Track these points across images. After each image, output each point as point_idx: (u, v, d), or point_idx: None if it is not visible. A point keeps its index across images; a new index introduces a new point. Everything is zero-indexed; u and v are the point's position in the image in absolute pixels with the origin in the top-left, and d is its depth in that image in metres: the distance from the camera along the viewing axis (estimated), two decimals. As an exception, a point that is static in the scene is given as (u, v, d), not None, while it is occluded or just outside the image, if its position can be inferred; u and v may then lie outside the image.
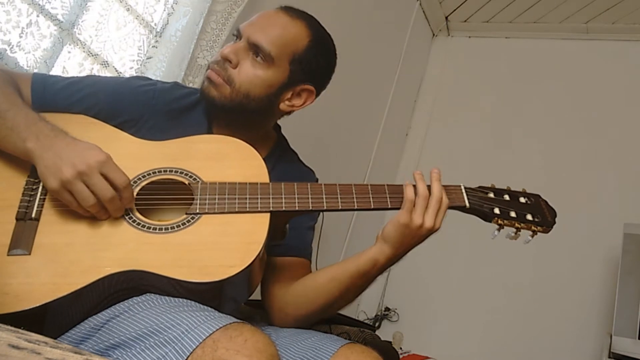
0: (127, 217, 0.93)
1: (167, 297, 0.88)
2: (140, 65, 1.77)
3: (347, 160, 2.82)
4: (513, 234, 1.09)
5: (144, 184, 0.98)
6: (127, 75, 1.74)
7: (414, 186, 1.04)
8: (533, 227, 1.09)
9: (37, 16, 1.49)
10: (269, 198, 0.98)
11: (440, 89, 3.40)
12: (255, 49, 1.09)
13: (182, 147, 1.04)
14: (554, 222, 1.10)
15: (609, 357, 2.10)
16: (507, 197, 1.11)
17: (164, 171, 1.00)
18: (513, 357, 2.61)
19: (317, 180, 1.27)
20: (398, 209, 1.04)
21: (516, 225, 1.08)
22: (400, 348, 2.76)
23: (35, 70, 1.47)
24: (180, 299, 0.88)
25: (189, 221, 0.94)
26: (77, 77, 1.14)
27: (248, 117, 1.14)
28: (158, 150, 1.03)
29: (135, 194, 0.96)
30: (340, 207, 1.02)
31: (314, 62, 1.14)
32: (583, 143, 2.90)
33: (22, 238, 0.88)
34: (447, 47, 3.50)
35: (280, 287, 1.12)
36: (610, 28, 3.03)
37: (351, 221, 2.84)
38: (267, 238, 0.95)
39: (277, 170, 1.17)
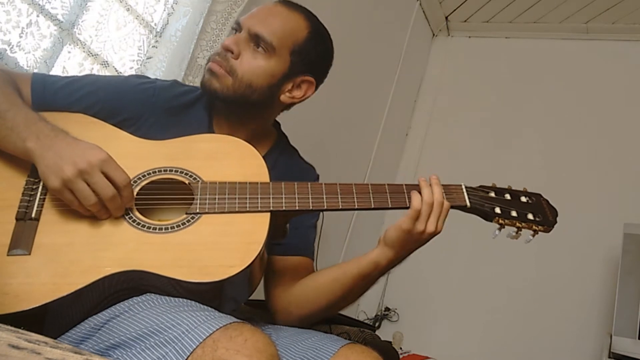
0: (127, 217, 0.93)
1: (167, 297, 0.88)
2: (140, 65, 1.77)
3: (347, 160, 2.82)
4: (514, 234, 1.09)
5: (144, 183, 0.98)
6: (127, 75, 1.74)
7: (419, 192, 1.03)
8: (534, 227, 1.08)
9: (37, 16, 1.49)
10: (269, 198, 0.98)
11: (440, 89, 3.40)
12: (256, 40, 1.10)
13: (182, 146, 1.04)
14: (555, 222, 1.10)
15: (609, 357, 2.10)
16: (508, 196, 1.11)
17: (164, 171, 1.00)
18: (513, 357, 2.61)
19: (318, 176, 1.28)
20: (398, 208, 1.04)
21: (517, 224, 1.08)
22: (400, 348, 2.76)
23: (35, 70, 1.47)
24: (181, 299, 0.88)
25: (189, 221, 0.94)
26: (76, 76, 1.14)
27: (249, 109, 1.14)
28: (158, 150, 1.03)
29: (135, 193, 0.96)
30: (340, 207, 1.02)
31: (314, 53, 1.16)
32: (583, 143, 2.90)
33: (22, 238, 0.88)
34: (447, 47, 3.50)
35: (283, 286, 1.12)
36: (610, 28, 3.03)
37: (351, 221, 2.84)
38: (267, 238, 0.94)
39: (278, 167, 1.18)
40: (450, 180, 1.10)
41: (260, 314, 1.22)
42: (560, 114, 3.01)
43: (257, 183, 1.00)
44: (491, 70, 3.30)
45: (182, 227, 0.93)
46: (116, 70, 1.72)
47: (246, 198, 0.97)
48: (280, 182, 1.01)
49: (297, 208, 1.00)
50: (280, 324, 1.11)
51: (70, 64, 1.60)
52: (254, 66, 1.10)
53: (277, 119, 1.25)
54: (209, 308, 0.87)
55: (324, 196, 1.02)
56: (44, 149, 0.90)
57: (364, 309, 2.94)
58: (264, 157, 1.06)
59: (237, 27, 1.14)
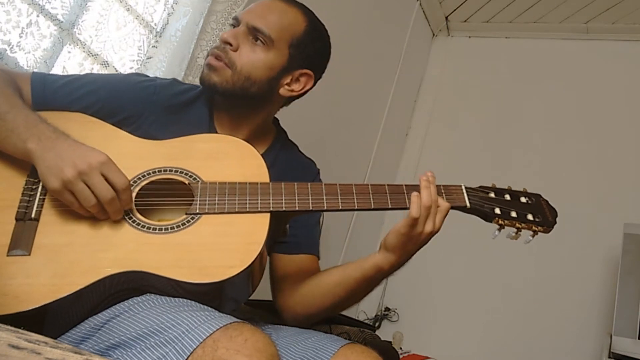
0: (127, 218, 0.93)
1: (167, 297, 0.88)
2: (140, 65, 1.77)
3: (347, 160, 2.82)
4: (514, 234, 1.09)
5: (143, 183, 0.98)
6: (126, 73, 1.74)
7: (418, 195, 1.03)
8: (534, 227, 1.08)
9: (37, 16, 1.49)
10: (269, 198, 0.98)
11: (440, 89, 3.40)
12: (254, 33, 1.11)
13: (182, 146, 1.04)
14: (555, 222, 1.10)
15: (609, 357, 2.09)
16: (508, 196, 1.11)
17: (164, 171, 1.00)
18: (513, 357, 2.61)
19: (318, 170, 1.28)
20: (399, 209, 1.04)
21: (517, 225, 1.08)
22: (400, 348, 2.76)
23: (35, 70, 1.47)
24: (181, 299, 0.88)
25: (189, 221, 0.94)
26: (76, 75, 1.14)
27: (249, 103, 1.14)
28: (158, 150, 1.03)
29: (135, 193, 0.96)
30: (340, 207, 1.02)
31: (312, 47, 1.16)
32: (583, 143, 2.90)
33: (22, 238, 0.88)
34: (447, 47, 3.49)
35: (290, 285, 1.13)
36: (610, 28, 3.03)
37: (351, 221, 2.83)
38: (267, 238, 0.94)
39: (279, 163, 1.18)
40: (450, 180, 1.10)
41: (260, 314, 1.22)
42: (560, 114, 3.01)
43: (257, 183, 1.00)
44: (491, 70, 3.30)
45: (182, 227, 0.93)
46: (116, 70, 1.72)
47: (246, 198, 0.97)
48: (280, 183, 1.01)
49: (297, 208, 1.00)
50: (287, 323, 1.11)
51: (70, 64, 1.59)
52: (252, 59, 1.10)
53: (275, 116, 1.26)
54: (209, 308, 0.87)
55: (324, 196, 1.02)
56: (45, 151, 0.90)
57: (364, 309, 2.94)
58: (264, 153, 1.06)
59: (236, 22, 1.14)
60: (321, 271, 1.15)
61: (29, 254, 0.87)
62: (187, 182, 0.99)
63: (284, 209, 0.98)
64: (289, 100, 1.21)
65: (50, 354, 0.58)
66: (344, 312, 1.41)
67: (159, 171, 1.00)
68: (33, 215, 0.90)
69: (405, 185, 1.05)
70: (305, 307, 1.11)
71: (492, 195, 1.10)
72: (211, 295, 0.91)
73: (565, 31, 3.15)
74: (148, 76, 1.20)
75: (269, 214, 0.97)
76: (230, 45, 1.10)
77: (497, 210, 1.07)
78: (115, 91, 1.11)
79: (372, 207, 1.03)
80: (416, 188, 1.04)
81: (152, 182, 0.99)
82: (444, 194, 1.06)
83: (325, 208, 1.02)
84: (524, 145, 3.03)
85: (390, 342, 2.54)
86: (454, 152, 3.18)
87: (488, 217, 1.08)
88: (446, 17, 3.44)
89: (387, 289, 2.95)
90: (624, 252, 2.22)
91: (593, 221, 2.66)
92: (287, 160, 1.22)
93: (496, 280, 2.76)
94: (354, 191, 1.03)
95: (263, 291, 1.13)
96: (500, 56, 3.32)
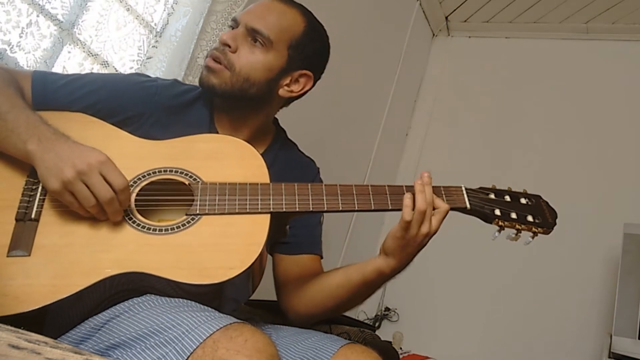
0: (127, 218, 0.93)
1: (167, 298, 0.88)
2: (140, 65, 1.77)
3: (347, 160, 2.82)
4: (514, 235, 1.09)
5: (143, 184, 0.98)
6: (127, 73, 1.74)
7: (413, 198, 1.02)
8: (534, 229, 1.08)
9: (37, 16, 1.49)
10: (270, 199, 0.98)
11: (440, 89, 3.40)
12: (253, 34, 1.10)
13: (182, 146, 1.04)
14: (555, 224, 1.10)
15: (609, 357, 2.09)
16: (508, 198, 1.11)
17: (164, 171, 1.00)
18: (513, 357, 2.61)
19: (318, 169, 1.28)
20: (399, 210, 1.04)
21: (517, 226, 1.08)
22: (400, 348, 2.76)
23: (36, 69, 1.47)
24: (181, 299, 0.88)
25: (189, 222, 0.94)
26: (77, 74, 1.14)
27: (249, 104, 1.14)
28: (158, 150, 1.03)
29: (135, 194, 0.96)
30: (340, 208, 1.02)
31: (311, 48, 1.16)
32: (583, 143, 2.90)
33: (22, 239, 0.88)
34: (447, 47, 3.49)
35: (294, 285, 1.14)
36: (610, 28, 3.03)
37: (351, 221, 2.83)
38: (267, 239, 0.94)
39: (278, 162, 1.18)
40: (450, 180, 1.10)
41: (260, 314, 1.22)
42: (560, 114, 3.01)
43: (257, 184, 1.00)
44: (491, 70, 3.30)
45: (182, 228, 0.93)
46: (116, 70, 1.72)
47: (246, 199, 0.97)
48: (280, 183, 1.01)
49: (297, 209, 1.00)
50: (292, 323, 1.12)
51: (70, 64, 1.59)
52: (251, 60, 1.10)
53: (275, 116, 1.26)
54: (209, 308, 0.87)
55: (324, 197, 1.02)
56: (44, 152, 0.90)
57: (364, 309, 2.94)
58: (264, 153, 1.06)
59: (234, 24, 1.14)
60: (324, 272, 1.15)
61: (29, 255, 0.87)
62: (187, 182, 0.99)
63: (284, 209, 0.98)
64: (289, 101, 1.21)
65: (50, 354, 0.58)
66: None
67: (159, 171, 1.00)
68: (33, 216, 0.90)
69: (406, 186, 1.05)
70: (308, 308, 1.11)
71: (492, 196, 1.10)
72: (211, 295, 0.91)
73: (565, 31, 3.15)
74: (149, 76, 1.20)
75: (269, 215, 0.97)
76: (229, 47, 1.10)
77: (497, 212, 1.07)
78: (116, 91, 1.11)
79: (373, 208, 1.03)
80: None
81: (152, 183, 0.98)
82: (444, 195, 1.05)
83: (326, 209, 1.02)
84: (524, 145, 3.03)
85: (390, 342, 2.54)
86: (454, 152, 3.18)
87: (488, 218, 1.08)
88: (446, 17, 3.44)
89: (387, 289, 2.94)
90: (624, 252, 2.22)
91: (593, 221, 2.66)
92: (286, 160, 1.22)
93: (496, 280, 2.76)
94: (354, 192, 1.03)
95: (263, 291, 1.13)
96: (500, 56, 3.32)
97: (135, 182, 0.97)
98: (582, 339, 2.51)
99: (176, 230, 0.92)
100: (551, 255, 2.62)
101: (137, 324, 0.82)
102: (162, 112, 1.12)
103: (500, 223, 1.08)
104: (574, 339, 2.53)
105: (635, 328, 2.04)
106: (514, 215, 1.08)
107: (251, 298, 1.04)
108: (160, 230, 0.92)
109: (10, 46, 1.43)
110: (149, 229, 0.92)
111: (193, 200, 0.96)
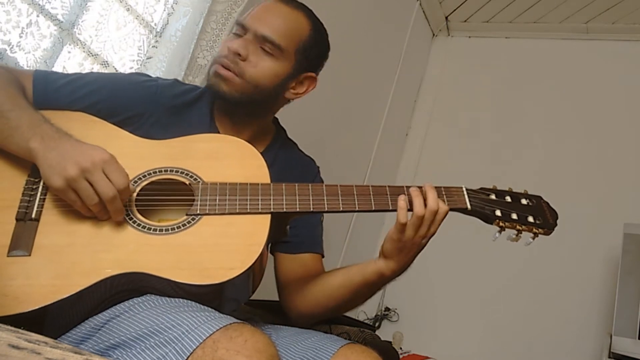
0: (128, 218, 0.93)
1: (167, 298, 0.88)
2: (140, 65, 1.77)
3: (347, 160, 2.82)
4: (514, 236, 1.09)
5: (144, 184, 0.98)
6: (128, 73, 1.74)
7: (409, 200, 1.02)
8: (534, 229, 1.08)
9: (37, 16, 1.49)
10: (270, 199, 0.98)
11: (440, 89, 3.40)
12: (263, 42, 1.10)
13: (183, 146, 1.04)
14: (556, 224, 1.10)
15: (609, 357, 2.09)
16: (508, 198, 1.11)
17: (165, 171, 1.00)
18: (513, 357, 2.61)
19: (318, 168, 1.29)
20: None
21: (518, 227, 1.08)
22: (400, 348, 2.76)
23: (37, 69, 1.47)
24: (181, 300, 0.88)
25: (189, 222, 0.94)
26: (78, 74, 1.14)
27: (254, 108, 1.15)
28: (158, 150, 1.03)
29: (135, 193, 0.96)
30: (341, 209, 1.02)
31: (316, 51, 1.17)
32: (583, 143, 2.90)
33: (22, 239, 0.88)
34: (447, 47, 3.49)
35: (295, 284, 1.14)
36: (610, 28, 3.03)
37: (351, 221, 2.83)
38: (267, 239, 0.94)
39: (279, 161, 1.19)
40: (450, 180, 1.10)
41: (260, 314, 1.22)
42: (560, 114, 3.01)
43: (257, 184, 1.00)
44: (491, 70, 3.30)
45: (182, 228, 0.93)
46: (116, 70, 1.72)
47: (247, 199, 0.97)
48: (281, 184, 1.01)
49: (297, 209, 1.00)
50: (293, 322, 1.12)
51: (70, 64, 1.59)
52: (262, 68, 1.11)
53: (275, 115, 1.26)
54: (209, 308, 0.87)
55: (325, 197, 1.01)
56: (47, 150, 0.90)
57: (364, 309, 2.94)
58: (264, 152, 1.06)
59: (241, 30, 1.13)
60: (326, 272, 1.15)
61: (29, 255, 0.86)
62: (187, 182, 0.99)
63: (284, 210, 0.98)
64: (291, 99, 1.22)
65: (50, 354, 0.58)
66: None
67: (159, 171, 1.00)
68: (33, 216, 0.90)
69: (406, 186, 1.05)
70: (310, 307, 1.12)
71: (493, 197, 1.10)
72: (211, 296, 0.91)
73: (565, 31, 3.15)
74: (150, 76, 1.20)
75: (269, 215, 0.97)
76: (240, 55, 1.10)
77: (498, 212, 1.07)
78: (117, 90, 1.11)
79: (373, 208, 1.03)
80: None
81: (152, 183, 0.98)
82: (444, 196, 1.05)
83: (326, 209, 1.01)
84: (524, 146, 3.03)
85: (390, 342, 2.55)
86: (454, 152, 3.18)
87: (489, 219, 1.08)
88: (446, 17, 3.44)
89: (387, 289, 2.92)
90: (624, 252, 2.22)
91: (593, 221, 2.65)
92: (286, 159, 1.23)
93: (496, 280, 2.76)
94: (355, 192, 1.03)
95: (263, 291, 1.13)
96: (500, 56, 3.32)
97: (135, 182, 0.97)
98: (582, 339, 2.51)
99: (176, 230, 0.92)
100: (551, 255, 2.62)
101: (137, 324, 0.82)
102: (163, 112, 1.12)
103: (501, 224, 1.07)
104: (574, 339, 2.53)
105: (635, 328, 2.04)
106: (514, 216, 1.08)
107: (251, 298, 1.04)
108: (161, 230, 0.92)
109: (10, 46, 1.43)
110: (149, 229, 0.92)
111: (193, 200, 0.96)
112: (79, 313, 0.87)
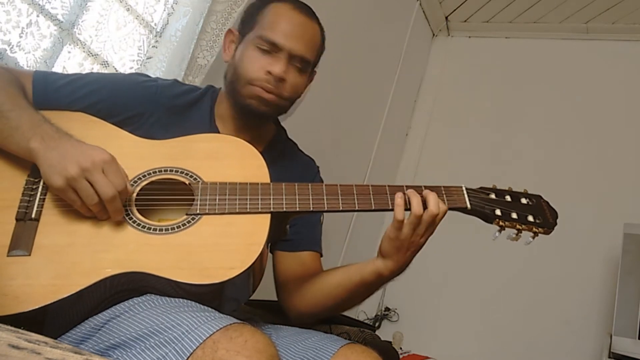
0: (127, 218, 0.93)
1: (167, 298, 0.88)
2: (140, 65, 1.77)
3: (347, 160, 2.82)
4: (514, 236, 1.09)
5: (144, 183, 0.98)
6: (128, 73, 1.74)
7: (407, 200, 1.02)
8: (534, 229, 1.08)
9: (37, 16, 1.49)
10: (270, 198, 0.98)
11: (440, 89, 3.40)
12: (297, 60, 1.13)
13: (183, 146, 1.04)
14: (555, 224, 1.10)
15: (609, 357, 2.09)
16: (508, 198, 1.11)
17: (165, 171, 1.00)
18: (513, 357, 2.61)
19: (318, 168, 1.29)
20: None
21: (517, 226, 1.08)
22: (400, 348, 2.76)
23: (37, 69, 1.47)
24: (181, 300, 0.88)
25: (189, 222, 0.94)
26: (78, 74, 1.14)
27: (269, 116, 1.19)
28: (158, 150, 1.03)
29: (135, 193, 0.96)
30: (341, 208, 1.02)
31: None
32: (583, 143, 2.90)
33: (22, 238, 0.88)
34: (447, 47, 3.49)
35: (294, 282, 1.14)
36: (610, 28, 3.03)
37: (351, 221, 2.83)
38: (267, 239, 0.94)
39: (278, 161, 1.19)
40: (450, 180, 1.10)
41: (260, 314, 1.22)
42: (560, 114, 3.01)
43: (257, 184, 1.00)
44: (491, 70, 3.30)
45: (182, 228, 0.93)
46: (116, 70, 1.72)
47: (246, 199, 0.97)
48: (280, 183, 1.01)
49: (297, 209, 1.00)
50: (292, 321, 1.13)
51: (70, 64, 1.59)
52: (296, 85, 1.15)
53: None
54: (209, 309, 0.87)
55: (325, 197, 1.02)
56: (47, 150, 0.90)
57: (364, 309, 2.94)
58: (263, 152, 1.06)
59: (272, 47, 1.11)
60: (325, 271, 1.15)
61: (29, 255, 0.86)
62: (187, 182, 0.99)
63: (284, 209, 0.98)
64: None
65: (50, 354, 0.58)
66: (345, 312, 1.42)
67: (159, 171, 1.00)
68: (33, 215, 0.90)
69: (406, 186, 1.05)
70: (308, 306, 1.12)
71: (493, 196, 1.10)
72: (211, 295, 0.91)
73: (565, 31, 3.15)
74: (150, 76, 1.20)
75: (269, 215, 0.97)
76: (284, 80, 1.11)
77: (498, 212, 1.07)
78: (117, 91, 1.11)
79: (373, 207, 1.03)
80: (417, 189, 1.04)
81: (152, 182, 0.98)
82: (444, 195, 1.05)
83: (326, 209, 1.01)
84: (524, 145, 3.03)
85: (390, 342, 2.54)
86: (454, 152, 3.18)
87: (489, 218, 1.08)
88: (446, 17, 3.44)
89: (387, 289, 2.94)
90: (624, 252, 2.22)
91: (593, 221, 2.66)
92: (286, 159, 1.23)
93: (496, 280, 2.76)
94: (355, 192, 1.03)
95: (263, 291, 1.13)
96: (500, 56, 3.32)
97: (135, 182, 0.97)
98: (582, 339, 2.51)
99: (176, 230, 0.92)
100: (551, 255, 2.62)
101: (137, 324, 0.82)
102: (163, 112, 1.12)
103: (500, 223, 1.07)
104: (574, 339, 2.53)
105: (635, 328, 2.04)
106: (514, 215, 1.08)
107: (251, 298, 1.04)
108: (161, 230, 0.92)
109: (10, 46, 1.43)
110: (149, 228, 0.92)
111: (193, 200, 0.96)
112: (79, 313, 0.87)
